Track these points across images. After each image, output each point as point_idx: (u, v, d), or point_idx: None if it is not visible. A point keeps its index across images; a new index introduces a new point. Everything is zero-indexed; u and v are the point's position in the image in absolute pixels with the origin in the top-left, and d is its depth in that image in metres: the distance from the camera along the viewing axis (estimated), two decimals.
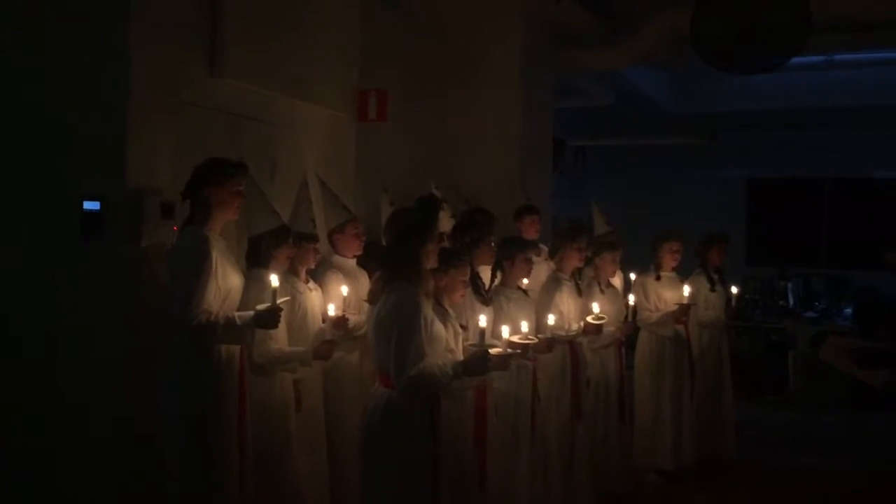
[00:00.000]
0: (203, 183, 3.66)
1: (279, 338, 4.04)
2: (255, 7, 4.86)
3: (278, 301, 3.64)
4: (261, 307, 3.63)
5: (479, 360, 3.45)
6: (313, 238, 4.47)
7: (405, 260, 3.47)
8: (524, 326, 3.99)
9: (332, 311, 4.28)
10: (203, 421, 3.55)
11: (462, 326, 3.89)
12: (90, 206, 3.96)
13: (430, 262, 3.52)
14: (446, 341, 3.64)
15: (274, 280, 3.67)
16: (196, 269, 3.49)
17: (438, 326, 3.49)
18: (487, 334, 3.59)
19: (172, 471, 3.60)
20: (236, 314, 3.62)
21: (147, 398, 3.87)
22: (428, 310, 3.45)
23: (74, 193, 3.98)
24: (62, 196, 4.02)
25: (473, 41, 7.35)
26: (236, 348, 3.66)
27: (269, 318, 3.61)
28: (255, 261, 4.13)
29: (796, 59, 6.83)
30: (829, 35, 7.45)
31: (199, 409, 3.55)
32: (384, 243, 4.41)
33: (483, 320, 3.58)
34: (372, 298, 3.57)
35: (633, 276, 5.93)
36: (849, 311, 9.72)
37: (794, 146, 12.24)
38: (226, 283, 3.62)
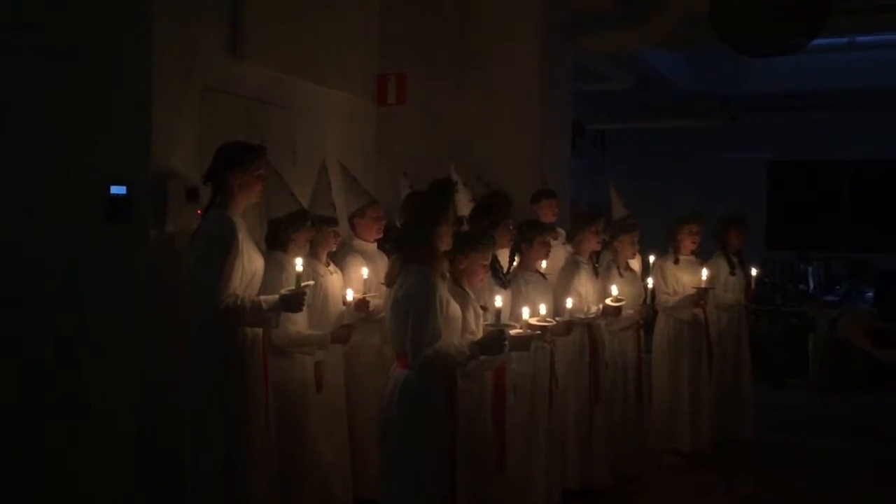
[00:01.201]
0: (225, 167, 3.69)
1: (298, 320, 4.08)
2: None
3: (302, 285, 3.70)
4: (286, 291, 3.68)
5: (495, 340, 3.50)
6: (333, 221, 4.51)
7: (420, 242, 3.52)
8: (542, 309, 4.03)
9: (350, 296, 4.33)
10: (233, 403, 3.60)
11: (482, 307, 3.93)
12: (117, 190, 4.03)
13: (445, 244, 3.57)
14: (467, 323, 3.69)
15: (298, 264, 3.70)
16: (223, 252, 3.52)
17: (454, 307, 3.53)
18: (505, 315, 3.63)
19: (199, 457, 3.63)
20: (262, 298, 3.66)
21: (173, 381, 3.95)
22: (443, 290, 3.50)
23: (101, 178, 4.05)
24: (89, 180, 4.10)
25: (492, 24, 7.34)
26: (259, 331, 3.72)
27: (294, 302, 3.65)
28: (274, 244, 4.18)
29: (817, 41, 6.78)
30: (850, 16, 7.38)
31: (228, 393, 3.59)
32: (399, 225, 4.46)
33: (499, 300, 3.62)
34: (389, 281, 3.62)
35: (652, 259, 5.94)
36: (870, 294, 9.67)
37: (815, 128, 12.14)
38: (251, 266, 3.66)
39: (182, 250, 4.05)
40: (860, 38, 10.00)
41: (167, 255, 4.08)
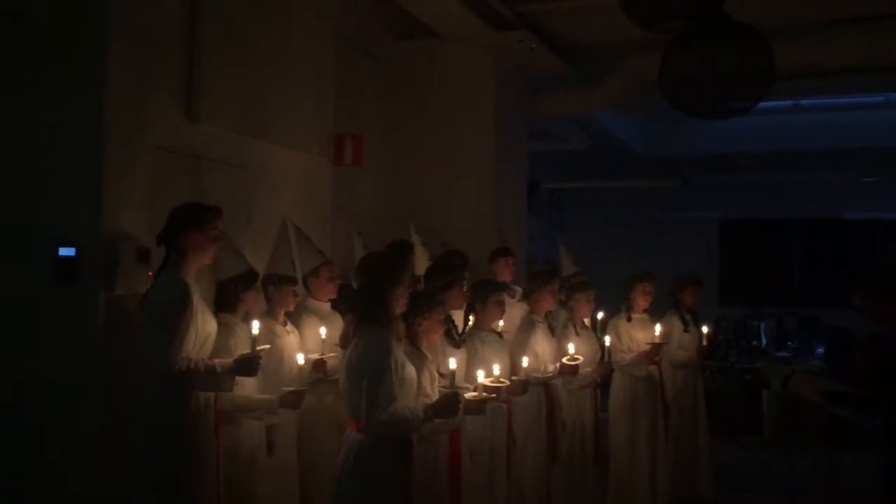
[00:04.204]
0: (179, 227, 3.67)
1: (246, 384, 3.97)
2: (232, 53, 4.92)
3: (258, 348, 3.65)
4: (241, 354, 3.63)
5: (449, 402, 3.48)
6: (292, 280, 4.49)
7: (375, 303, 3.51)
8: (496, 369, 4.02)
9: (301, 359, 4.27)
10: (184, 468, 3.52)
11: (440, 374, 3.91)
12: (65, 252, 3.94)
13: (400, 306, 3.56)
14: (422, 385, 3.66)
15: (255, 327, 3.68)
16: (176, 315, 3.48)
17: (410, 369, 3.51)
18: (459, 377, 3.62)
19: None
20: (216, 361, 3.61)
21: (121, 446, 3.84)
22: (399, 352, 3.48)
23: (50, 239, 3.98)
24: (37, 242, 4.01)
25: (448, 86, 7.48)
26: (211, 395, 3.65)
27: (249, 366, 3.61)
28: (222, 305, 4.10)
29: (764, 104, 7.00)
30: (795, 81, 7.65)
31: (177, 457, 3.51)
32: (355, 286, 4.45)
33: (453, 363, 3.61)
34: (343, 342, 3.61)
35: (600, 315, 5.93)
36: (821, 350, 9.82)
37: (765, 188, 12.47)
38: (204, 328, 3.62)
39: (133, 313, 3.97)
40: (804, 102, 10.36)
41: (117, 318, 3.99)
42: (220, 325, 3.94)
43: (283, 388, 4.14)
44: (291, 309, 4.54)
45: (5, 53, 4.21)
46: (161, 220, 3.78)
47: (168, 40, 4.54)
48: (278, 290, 4.39)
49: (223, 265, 4.08)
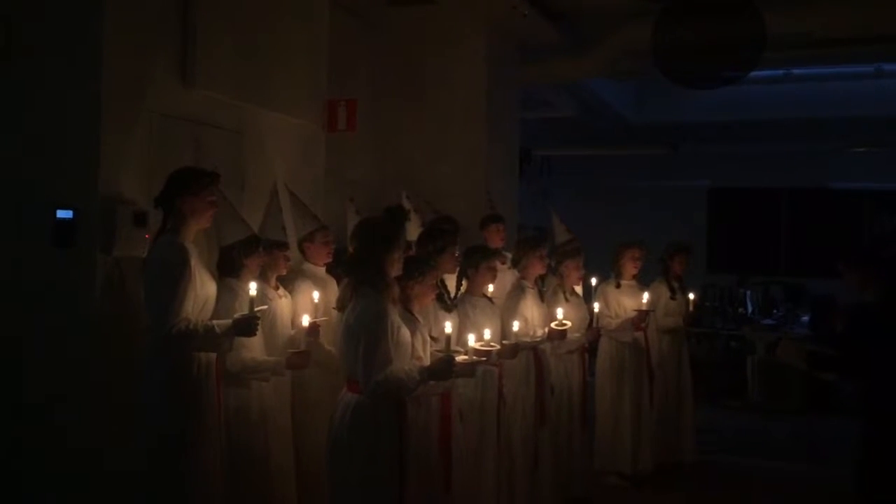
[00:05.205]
0: (177, 192, 3.72)
1: (253, 346, 4.06)
2: (227, 18, 4.92)
3: (256, 309, 3.71)
4: (238, 315, 3.69)
5: (444, 366, 3.56)
6: (284, 245, 4.54)
7: (372, 268, 3.58)
8: (487, 333, 4.10)
9: (306, 321, 4.33)
10: (186, 428, 3.60)
11: (432, 338, 3.98)
12: (63, 214, 3.98)
13: (396, 270, 3.64)
14: (414, 349, 3.74)
15: (252, 288, 3.73)
16: (175, 277, 3.54)
17: (405, 333, 3.59)
18: (453, 341, 3.70)
19: (150, 481, 3.64)
20: (215, 322, 3.67)
21: (118, 407, 3.91)
22: (394, 316, 3.56)
23: (47, 202, 4.02)
24: (35, 204, 4.05)
25: (440, 53, 7.49)
26: (212, 357, 3.72)
27: (247, 326, 3.67)
28: (226, 271, 4.16)
29: (755, 73, 7.06)
30: (785, 51, 7.69)
31: (180, 418, 3.59)
32: (351, 251, 4.50)
33: (448, 327, 3.69)
34: (340, 306, 3.67)
35: (593, 282, 6.05)
36: (806, 318, 9.97)
37: (754, 156, 12.53)
38: (203, 291, 3.68)
39: (129, 276, 4.02)
40: (795, 71, 10.40)
41: (114, 280, 4.05)
42: (225, 289, 4.01)
43: (289, 350, 4.21)
44: (283, 273, 4.58)
45: (5, 19, 4.21)
46: (157, 183, 3.83)
47: (165, 6, 4.54)
48: (270, 255, 4.43)
49: (226, 231, 4.13)
